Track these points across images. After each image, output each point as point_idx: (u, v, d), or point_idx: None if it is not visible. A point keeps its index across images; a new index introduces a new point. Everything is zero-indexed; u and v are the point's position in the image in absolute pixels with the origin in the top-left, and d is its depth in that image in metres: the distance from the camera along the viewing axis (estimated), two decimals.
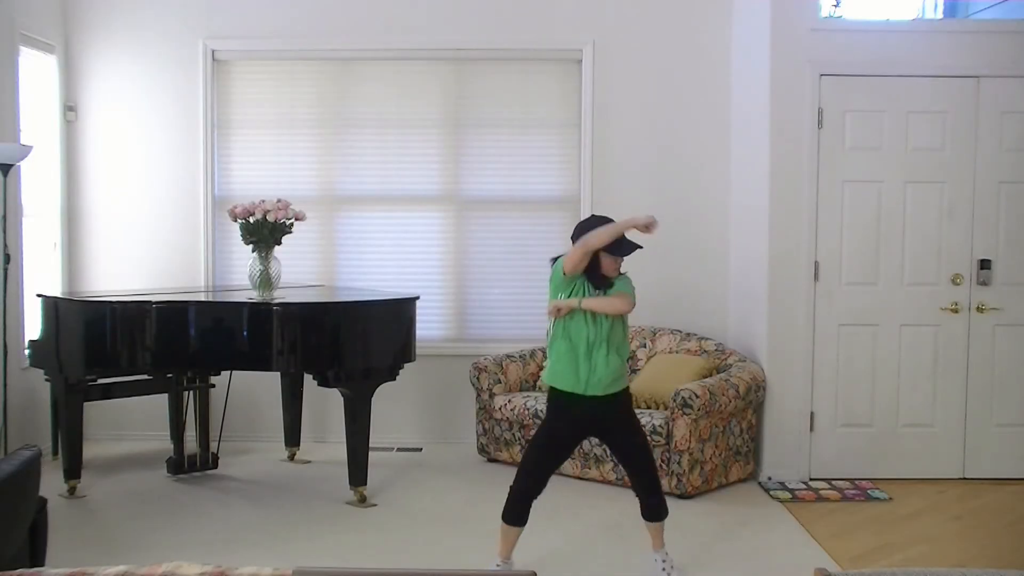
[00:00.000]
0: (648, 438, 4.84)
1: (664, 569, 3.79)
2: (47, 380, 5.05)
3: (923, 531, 4.47)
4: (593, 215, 3.75)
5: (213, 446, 5.41)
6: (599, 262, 3.59)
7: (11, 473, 2.71)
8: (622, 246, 3.59)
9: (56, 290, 5.77)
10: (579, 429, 3.76)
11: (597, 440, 5.04)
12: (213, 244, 6.02)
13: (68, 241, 5.99)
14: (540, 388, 5.66)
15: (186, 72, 5.97)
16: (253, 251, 5.00)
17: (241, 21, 5.95)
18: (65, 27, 5.92)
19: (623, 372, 3.71)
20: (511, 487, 3.72)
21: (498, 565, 3.75)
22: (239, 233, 5.02)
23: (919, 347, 5.25)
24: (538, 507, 4.70)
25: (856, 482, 5.19)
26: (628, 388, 3.78)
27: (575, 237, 3.62)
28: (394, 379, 4.90)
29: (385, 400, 5.19)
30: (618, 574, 3.92)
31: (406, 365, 4.94)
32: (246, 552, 4.11)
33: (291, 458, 5.63)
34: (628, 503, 4.80)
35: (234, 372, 5.39)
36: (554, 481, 4.95)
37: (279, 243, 5.01)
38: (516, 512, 3.72)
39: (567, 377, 3.64)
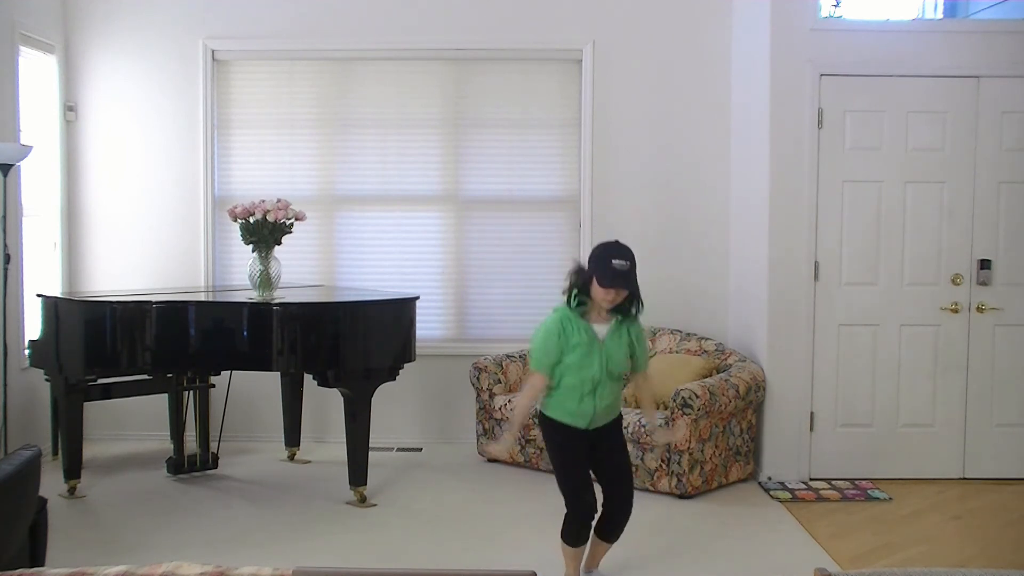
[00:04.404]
0: (650, 437, 4.85)
1: None
2: (47, 380, 5.05)
3: (923, 531, 4.47)
4: (601, 245, 3.56)
5: (213, 446, 5.41)
6: (591, 290, 3.46)
7: (11, 473, 2.71)
8: (610, 276, 3.42)
9: (56, 290, 5.77)
10: (585, 446, 3.64)
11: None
12: (213, 244, 6.02)
13: (68, 241, 5.99)
14: None
15: (186, 72, 5.97)
16: (253, 251, 5.00)
17: (241, 21, 5.95)
18: (65, 27, 5.92)
19: (620, 399, 3.70)
20: (566, 513, 3.59)
21: None
22: (239, 233, 5.02)
23: (919, 347, 5.25)
24: (538, 507, 4.71)
25: (856, 482, 5.19)
26: (621, 414, 3.72)
27: (588, 269, 3.49)
28: (394, 379, 4.90)
29: (385, 400, 5.19)
30: (618, 574, 3.91)
31: (406, 365, 4.94)
32: (246, 552, 4.11)
33: (291, 458, 5.63)
34: None
35: (234, 372, 5.39)
36: (554, 481, 4.95)
37: (279, 243, 5.01)
38: (578, 532, 3.60)
39: (571, 414, 3.53)
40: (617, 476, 3.66)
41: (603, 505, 3.66)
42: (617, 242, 3.54)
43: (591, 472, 3.65)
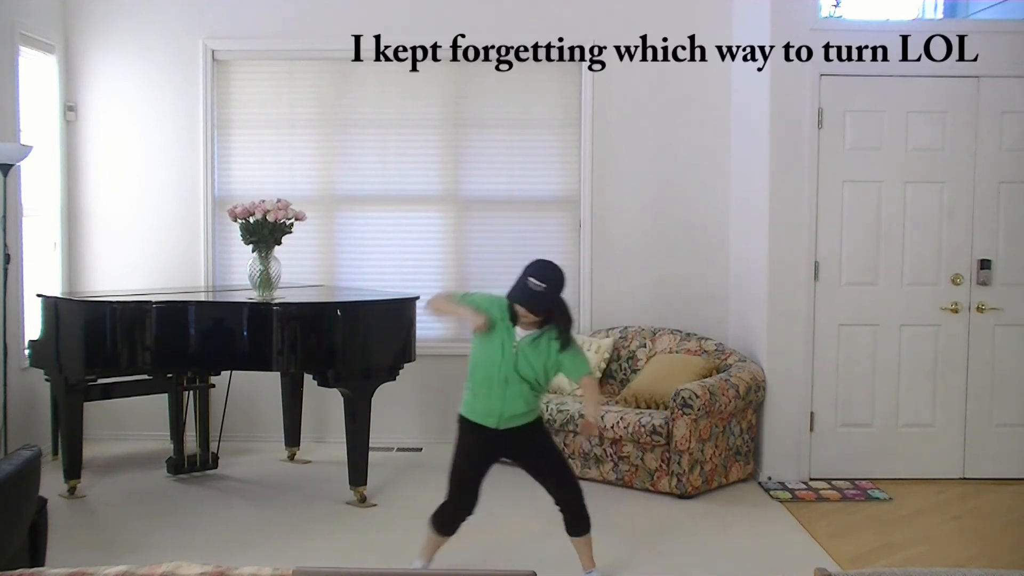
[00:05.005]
0: (650, 437, 4.86)
1: None
2: (47, 380, 5.05)
3: (923, 531, 4.47)
4: (535, 260, 3.52)
5: (213, 446, 5.41)
6: (515, 309, 3.48)
7: (11, 473, 2.71)
8: (519, 292, 3.41)
9: (56, 290, 5.77)
10: (491, 452, 3.68)
11: (597, 440, 5.05)
12: (213, 244, 6.02)
13: (68, 241, 5.99)
14: None
15: (186, 72, 5.97)
16: (253, 251, 5.00)
17: (241, 21, 5.95)
18: (65, 27, 5.92)
19: (537, 405, 3.67)
20: (443, 502, 3.69)
21: (424, 566, 3.74)
22: (239, 233, 5.02)
23: (919, 347, 5.25)
24: (538, 507, 4.71)
25: (856, 482, 5.19)
26: (541, 417, 3.73)
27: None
28: (394, 379, 4.90)
29: (385, 400, 5.19)
30: (618, 574, 3.91)
31: (406, 365, 4.93)
32: (246, 552, 4.11)
33: (291, 458, 5.63)
34: (628, 503, 4.81)
35: (234, 372, 5.39)
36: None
37: (279, 243, 5.01)
38: (444, 523, 3.69)
39: (479, 412, 3.58)
40: (555, 475, 3.70)
41: (557, 505, 3.71)
42: (546, 263, 3.49)
43: (532, 476, 3.73)
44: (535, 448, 3.68)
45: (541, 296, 3.39)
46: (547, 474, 3.70)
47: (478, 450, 3.64)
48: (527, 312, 3.43)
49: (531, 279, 3.40)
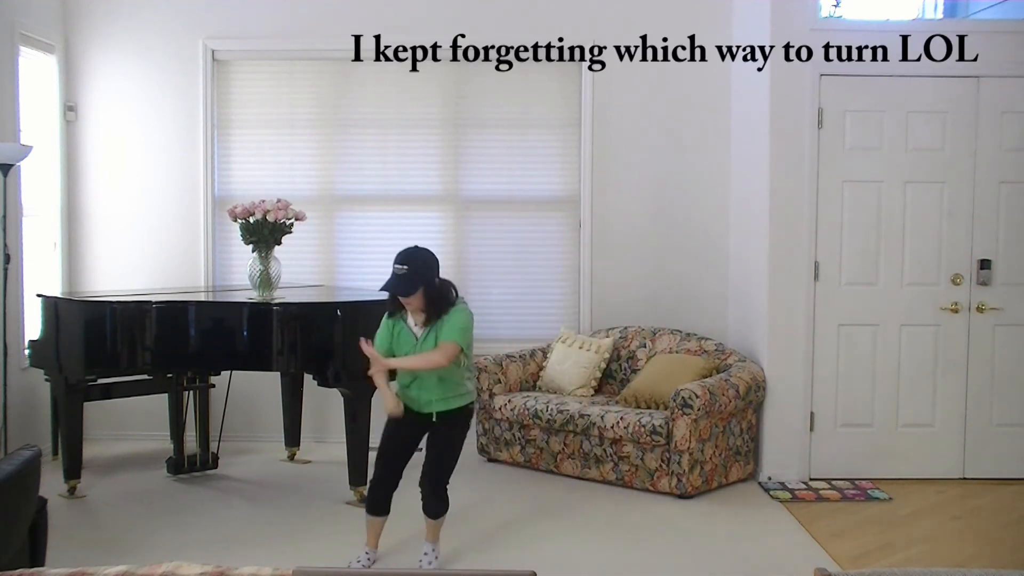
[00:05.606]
0: (650, 437, 4.86)
1: (429, 562, 3.89)
2: (47, 380, 5.05)
3: (923, 531, 4.47)
4: (401, 250, 3.78)
5: (213, 446, 5.41)
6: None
7: (11, 473, 2.71)
8: (397, 282, 3.66)
9: (56, 290, 5.77)
10: (416, 431, 3.90)
11: (597, 440, 5.05)
12: (213, 244, 6.02)
13: (68, 241, 5.99)
14: (540, 388, 5.67)
15: (186, 72, 5.97)
16: (253, 251, 5.00)
17: (241, 21, 5.95)
18: (65, 27, 5.92)
19: (459, 391, 3.85)
20: (370, 480, 3.94)
21: (366, 553, 3.94)
22: (239, 233, 5.02)
23: (919, 347, 5.25)
24: (537, 506, 4.72)
25: (856, 482, 5.19)
26: (469, 406, 3.91)
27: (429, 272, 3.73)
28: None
29: None
30: (618, 574, 3.91)
31: None
32: (246, 552, 4.11)
33: (291, 458, 5.63)
34: (628, 503, 4.81)
35: (234, 372, 5.39)
36: (554, 481, 4.97)
37: (279, 243, 5.01)
38: (374, 503, 3.91)
39: (405, 399, 3.85)
40: (427, 459, 3.89)
41: (421, 481, 3.92)
42: (408, 248, 3.77)
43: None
44: (437, 432, 3.85)
45: (405, 278, 3.64)
46: (426, 456, 3.89)
47: (403, 429, 3.84)
48: (402, 298, 3.68)
49: (395, 266, 3.66)
